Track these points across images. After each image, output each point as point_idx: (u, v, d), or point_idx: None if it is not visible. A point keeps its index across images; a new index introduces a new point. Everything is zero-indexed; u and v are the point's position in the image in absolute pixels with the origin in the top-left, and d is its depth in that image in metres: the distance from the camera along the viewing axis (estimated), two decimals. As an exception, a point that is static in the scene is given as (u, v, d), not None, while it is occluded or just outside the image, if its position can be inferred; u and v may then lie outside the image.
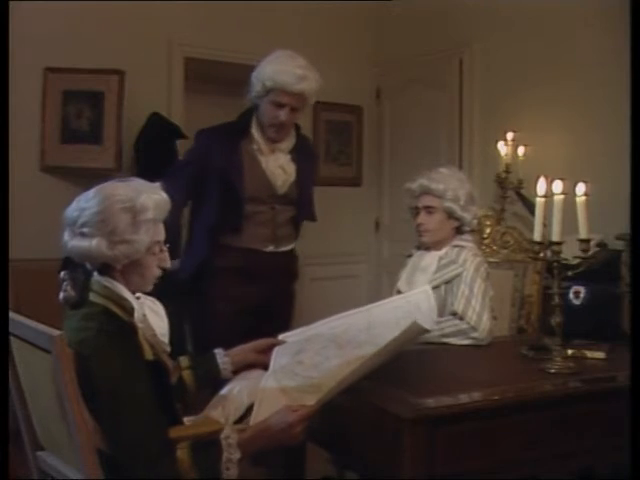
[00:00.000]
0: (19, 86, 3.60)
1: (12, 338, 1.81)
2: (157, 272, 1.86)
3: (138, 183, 1.84)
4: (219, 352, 2.19)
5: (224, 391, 2.16)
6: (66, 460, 1.79)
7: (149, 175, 2.05)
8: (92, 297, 1.78)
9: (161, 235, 1.86)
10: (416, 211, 2.75)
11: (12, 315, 1.79)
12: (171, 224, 2.89)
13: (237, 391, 2.13)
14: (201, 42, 4.57)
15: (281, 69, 2.83)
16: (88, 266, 1.79)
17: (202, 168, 2.91)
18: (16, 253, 2.68)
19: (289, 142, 3.03)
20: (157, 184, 1.87)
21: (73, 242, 1.75)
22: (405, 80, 5.13)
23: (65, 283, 1.79)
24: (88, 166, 4.00)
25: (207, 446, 1.73)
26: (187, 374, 2.14)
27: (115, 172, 3.83)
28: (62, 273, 1.80)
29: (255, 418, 1.91)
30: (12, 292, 2.43)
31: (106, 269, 1.79)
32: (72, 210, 1.78)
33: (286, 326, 3.10)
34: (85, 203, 1.76)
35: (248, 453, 1.74)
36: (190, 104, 4.63)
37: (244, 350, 2.21)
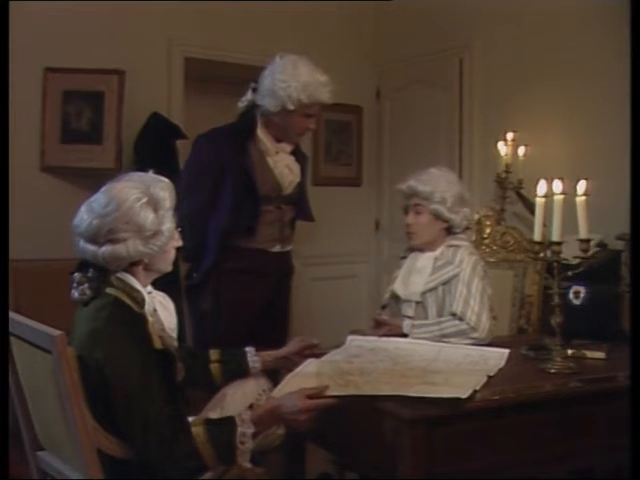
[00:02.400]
0: (19, 86, 3.60)
1: (12, 338, 1.81)
2: (174, 252, 1.93)
3: (137, 176, 1.88)
4: (250, 350, 2.23)
5: (222, 393, 2.17)
6: (66, 460, 1.79)
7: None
8: (107, 290, 1.80)
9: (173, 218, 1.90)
10: (406, 210, 2.75)
11: (12, 315, 1.79)
12: (201, 229, 2.92)
13: (235, 393, 2.14)
14: (201, 42, 4.57)
15: (312, 82, 2.82)
16: (112, 267, 1.80)
17: (218, 170, 2.89)
18: (16, 253, 2.68)
19: None
20: (150, 172, 1.90)
21: (104, 249, 1.76)
22: (405, 80, 5.12)
23: (82, 286, 1.79)
24: (88, 166, 3.99)
25: (221, 422, 1.77)
26: (215, 367, 2.19)
27: (115, 172, 3.83)
28: (77, 274, 1.81)
29: (276, 392, 1.96)
30: (12, 292, 2.44)
31: (130, 265, 1.82)
32: (89, 219, 1.77)
33: (285, 324, 3.14)
34: (102, 210, 1.77)
35: (260, 429, 1.78)
36: (190, 104, 4.63)
37: (277, 355, 2.29)
